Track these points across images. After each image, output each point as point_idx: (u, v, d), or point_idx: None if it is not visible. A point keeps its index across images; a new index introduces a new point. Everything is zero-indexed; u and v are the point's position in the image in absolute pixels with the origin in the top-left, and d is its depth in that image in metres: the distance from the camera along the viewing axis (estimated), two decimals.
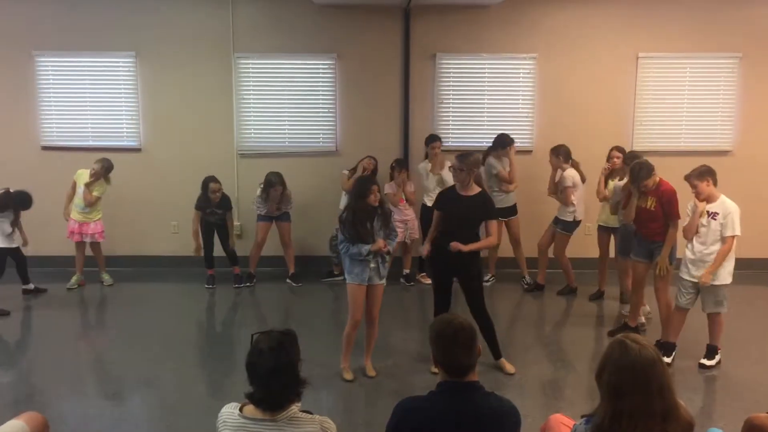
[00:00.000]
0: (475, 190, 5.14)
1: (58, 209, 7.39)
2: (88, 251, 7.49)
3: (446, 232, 5.11)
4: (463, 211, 5.07)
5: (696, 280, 5.23)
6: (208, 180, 7.29)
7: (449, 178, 6.56)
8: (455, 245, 4.94)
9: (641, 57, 7.97)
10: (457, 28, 7.93)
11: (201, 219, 7.41)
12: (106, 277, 7.59)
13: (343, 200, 7.27)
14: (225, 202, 7.44)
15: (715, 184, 5.19)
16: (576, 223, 7.10)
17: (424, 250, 5.31)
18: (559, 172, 7.08)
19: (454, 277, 5.24)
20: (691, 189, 5.22)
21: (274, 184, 7.28)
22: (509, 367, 5.25)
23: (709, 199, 5.18)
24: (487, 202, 5.15)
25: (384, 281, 5.12)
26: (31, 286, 7.14)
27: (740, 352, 5.62)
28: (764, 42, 7.96)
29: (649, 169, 5.52)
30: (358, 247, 4.85)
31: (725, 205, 5.14)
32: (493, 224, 5.13)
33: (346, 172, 7.56)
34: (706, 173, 5.16)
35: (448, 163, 7.26)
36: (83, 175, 7.27)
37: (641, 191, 5.56)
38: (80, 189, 7.26)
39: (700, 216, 5.18)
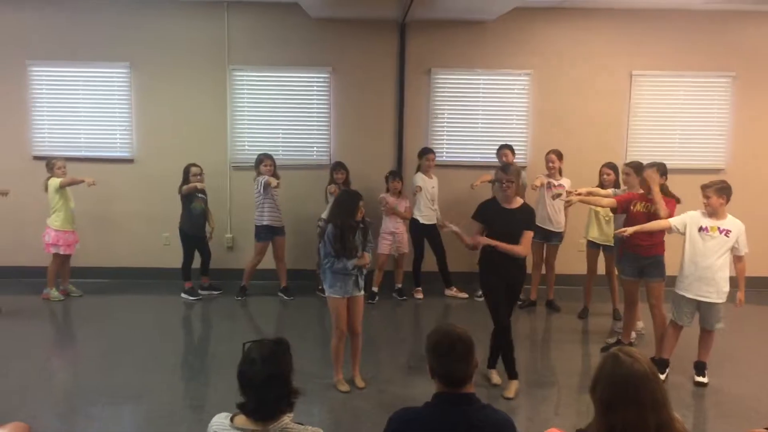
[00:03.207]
0: (519, 202, 5.10)
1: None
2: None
3: (490, 247, 5.00)
4: (508, 224, 5.00)
5: (699, 299, 5.22)
6: (189, 165, 7.39)
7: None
8: (483, 239, 4.95)
9: (635, 75, 8.02)
10: (453, 44, 7.97)
11: (183, 233, 7.46)
12: (74, 288, 7.57)
13: None
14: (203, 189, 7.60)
15: (726, 203, 5.20)
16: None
17: (476, 241, 5.02)
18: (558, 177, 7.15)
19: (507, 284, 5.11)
20: (703, 198, 5.21)
21: (263, 159, 7.36)
22: (496, 379, 5.28)
23: (715, 215, 5.20)
24: (530, 214, 5.11)
25: (362, 292, 5.16)
26: None
27: (733, 369, 5.63)
28: (757, 62, 8.03)
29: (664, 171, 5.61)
30: (343, 263, 4.90)
31: (736, 222, 5.21)
32: (528, 236, 5.03)
33: (332, 186, 7.47)
34: (725, 190, 5.18)
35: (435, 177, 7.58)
36: (56, 181, 7.14)
37: (648, 199, 5.54)
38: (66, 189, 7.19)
39: (710, 231, 5.17)
